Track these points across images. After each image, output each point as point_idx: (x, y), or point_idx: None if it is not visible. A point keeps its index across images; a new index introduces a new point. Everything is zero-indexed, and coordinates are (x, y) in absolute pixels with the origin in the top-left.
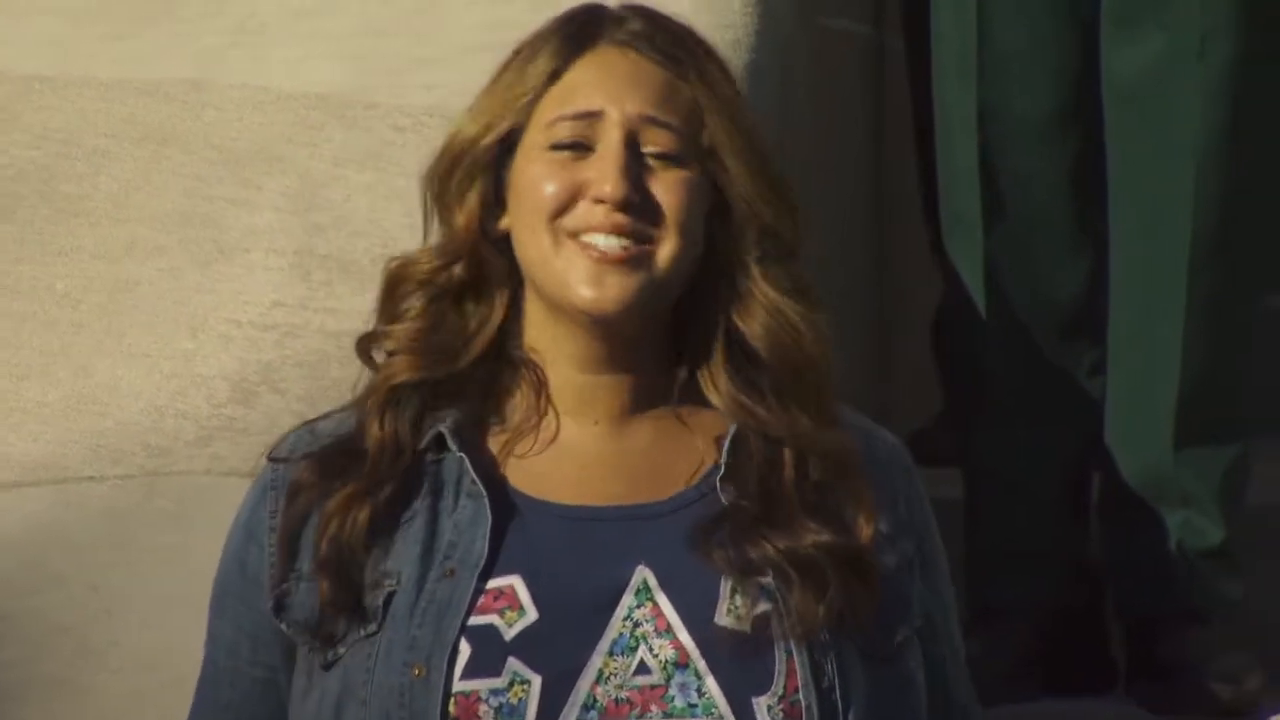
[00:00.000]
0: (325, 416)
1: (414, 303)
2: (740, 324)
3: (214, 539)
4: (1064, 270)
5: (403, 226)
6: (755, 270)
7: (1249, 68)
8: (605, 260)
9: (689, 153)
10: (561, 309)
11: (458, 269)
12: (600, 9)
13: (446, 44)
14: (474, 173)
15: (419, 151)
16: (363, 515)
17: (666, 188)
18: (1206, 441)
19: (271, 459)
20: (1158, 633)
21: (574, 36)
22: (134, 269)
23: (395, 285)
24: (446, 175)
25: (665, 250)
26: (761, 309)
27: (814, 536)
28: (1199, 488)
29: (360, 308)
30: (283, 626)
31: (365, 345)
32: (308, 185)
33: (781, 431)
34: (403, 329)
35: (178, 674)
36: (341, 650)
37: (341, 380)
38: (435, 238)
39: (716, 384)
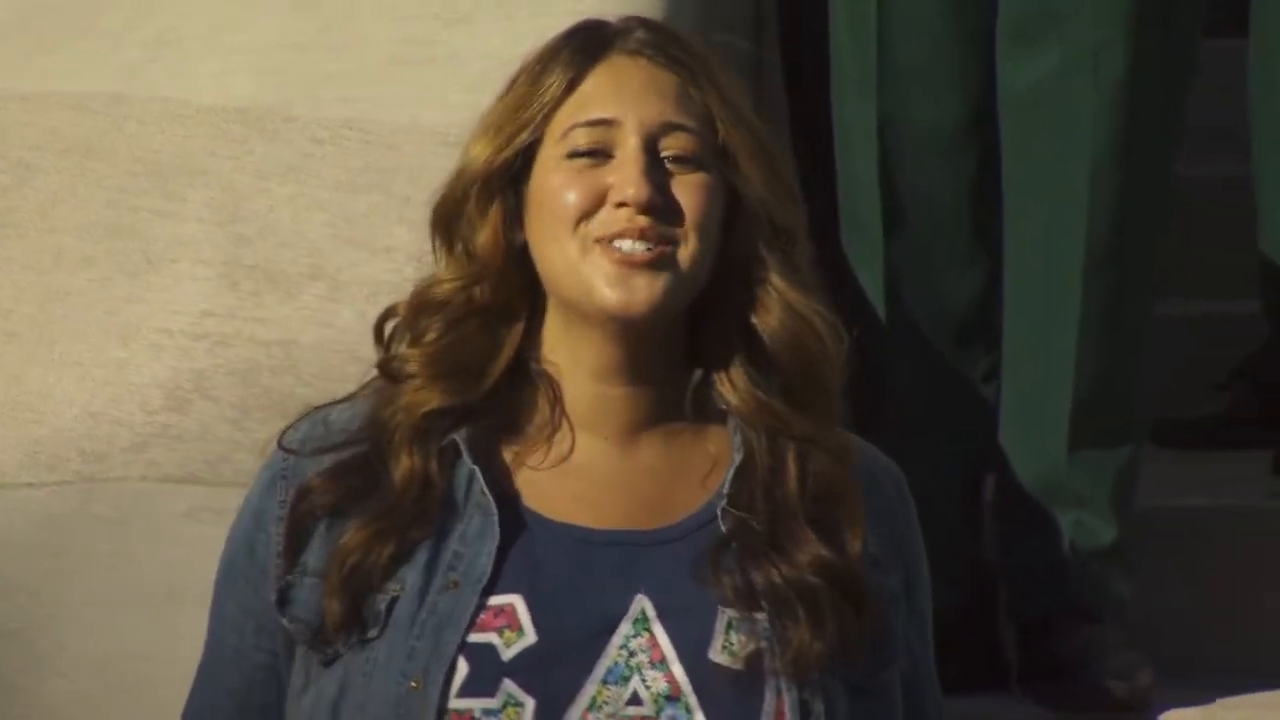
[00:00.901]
0: (336, 404)
1: (436, 324)
2: (758, 322)
3: (152, 544)
4: (961, 278)
5: (326, 237)
6: (771, 269)
7: (1139, 80)
8: (631, 263)
9: (705, 156)
10: (587, 315)
11: (480, 290)
12: (603, 23)
13: (360, 59)
14: (493, 190)
15: (339, 163)
16: (388, 551)
17: (686, 190)
18: (1099, 444)
19: (283, 447)
20: (1051, 631)
21: (584, 48)
22: (64, 279)
23: (420, 308)
24: (464, 197)
25: (687, 251)
26: (779, 306)
27: (813, 552)
28: (1092, 489)
29: (288, 317)
30: (284, 621)
31: (387, 368)
32: (231, 197)
33: (795, 430)
34: (425, 352)
35: (126, 678)
36: (341, 650)
37: (273, 388)
38: (443, 260)
39: (735, 384)
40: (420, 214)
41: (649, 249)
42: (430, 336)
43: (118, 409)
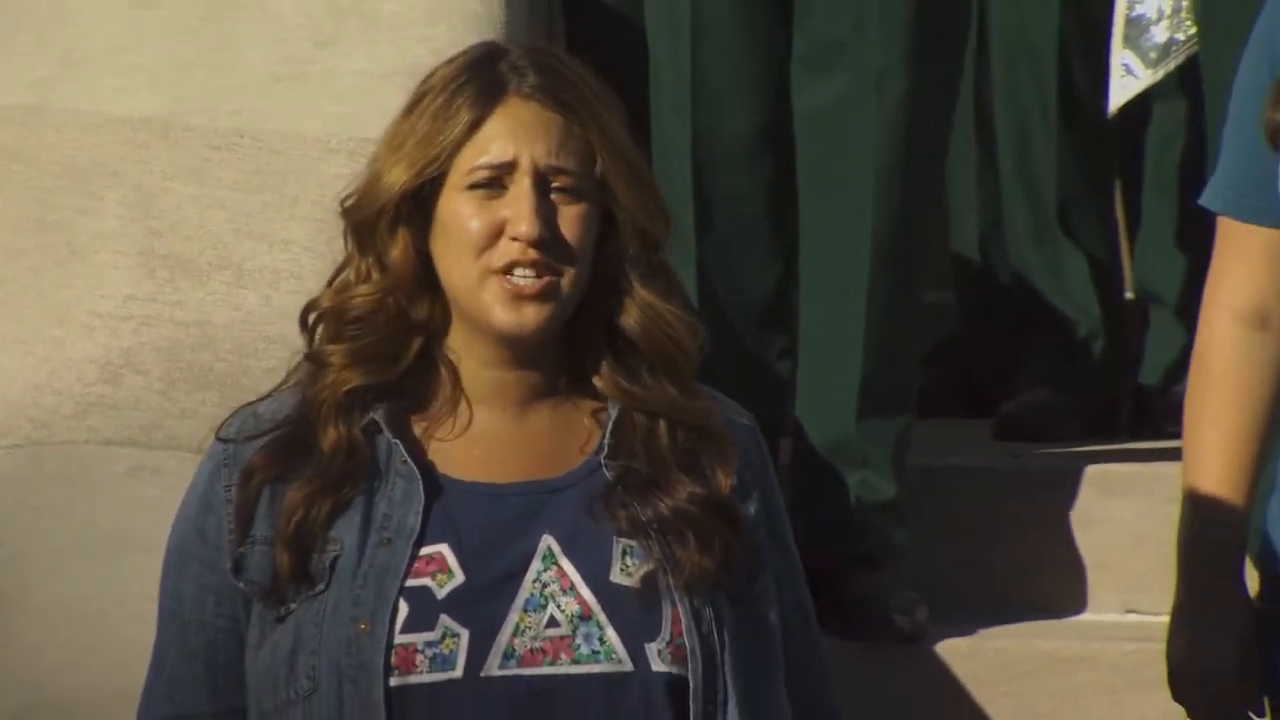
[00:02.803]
0: (262, 399)
1: (354, 328)
2: (621, 322)
3: (98, 499)
4: (762, 272)
5: (228, 231)
6: (634, 279)
7: (917, 102)
8: (521, 295)
9: (586, 188)
10: (481, 329)
11: (393, 299)
12: (499, 50)
13: (245, 76)
14: (404, 212)
15: (234, 166)
16: (326, 506)
17: (569, 222)
18: (881, 414)
19: (221, 439)
20: (843, 576)
21: (485, 90)
22: (1, 269)
23: (340, 313)
24: (378, 216)
25: (569, 278)
26: (638, 309)
27: (689, 489)
28: (875, 452)
29: (201, 300)
30: (240, 585)
31: (315, 358)
32: (142, 196)
33: (655, 405)
34: (346, 348)
35: (83, 613)
36: (293, 606)
37: (194, 363)
38: (358, 269)
39: (600, 372)
40: (308, 211)
41: (537, 278)
42: (350, 334)
43: (58, 381)
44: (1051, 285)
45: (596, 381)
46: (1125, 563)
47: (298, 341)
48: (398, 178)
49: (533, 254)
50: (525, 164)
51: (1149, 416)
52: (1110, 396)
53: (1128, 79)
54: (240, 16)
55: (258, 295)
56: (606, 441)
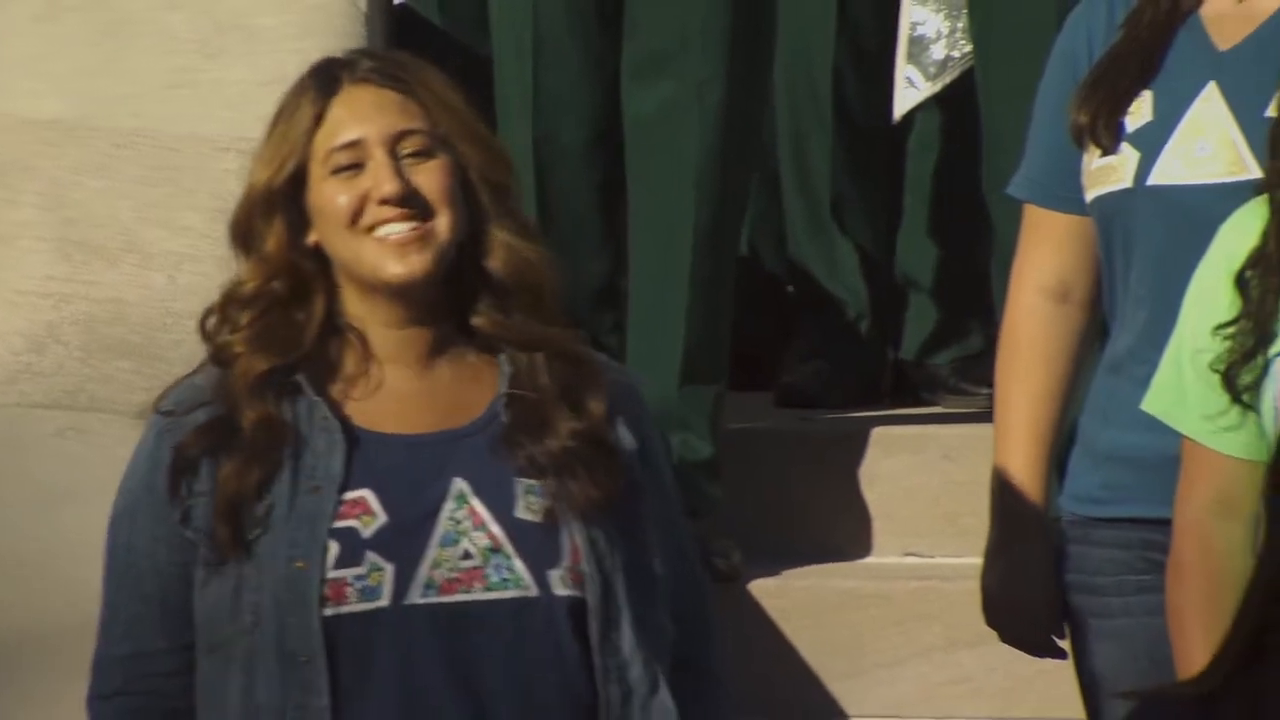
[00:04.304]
0: (195, 372)
1: (246, 315)
2: (488, 264)
3: (32, 456)
4: (596, 258)
5: (133, 220)
6: (492, 221)
7: (733, 108)
8: (403, 243)
9: (434, 146)
10: (377, 288)
11: (277, 284)
12: (334, 59)
13: (142, 84)
14: (274, 206)
15: (136, 163)
16: (255, 477)
17: (426, 175)
18: (700, 382)
19: (160, 412)
20: None
21: (323, 85)
22: None
23: (228, 304)
24: (251, 214)
25: (442, 222)
26: (500, 250)
27: (571, 425)
28: (694, 416)
29: (114, 280)
30: (188, 533)
31: (218, 356)
32: (56, 189)
33: (529, 337)
34: (243, 336)
35: (25, 558)
36: (234, 551)
37: (109, 335)
38: (243, 264)
39: (480, 314)
40: (204, 201)
41: (413, 229)
42: (244, 323)
43: None
44: (825, 271)
45: (477, 322)
46: (903, 512)
47: (200, 316)
48: (260, 177)
49: (401, 210)
50: (374, 138)
51: (908, 385)
52: (875, 368)
53: (910, 90)
54: (136, 31)
55: (163, 276)
56: (503, 390)
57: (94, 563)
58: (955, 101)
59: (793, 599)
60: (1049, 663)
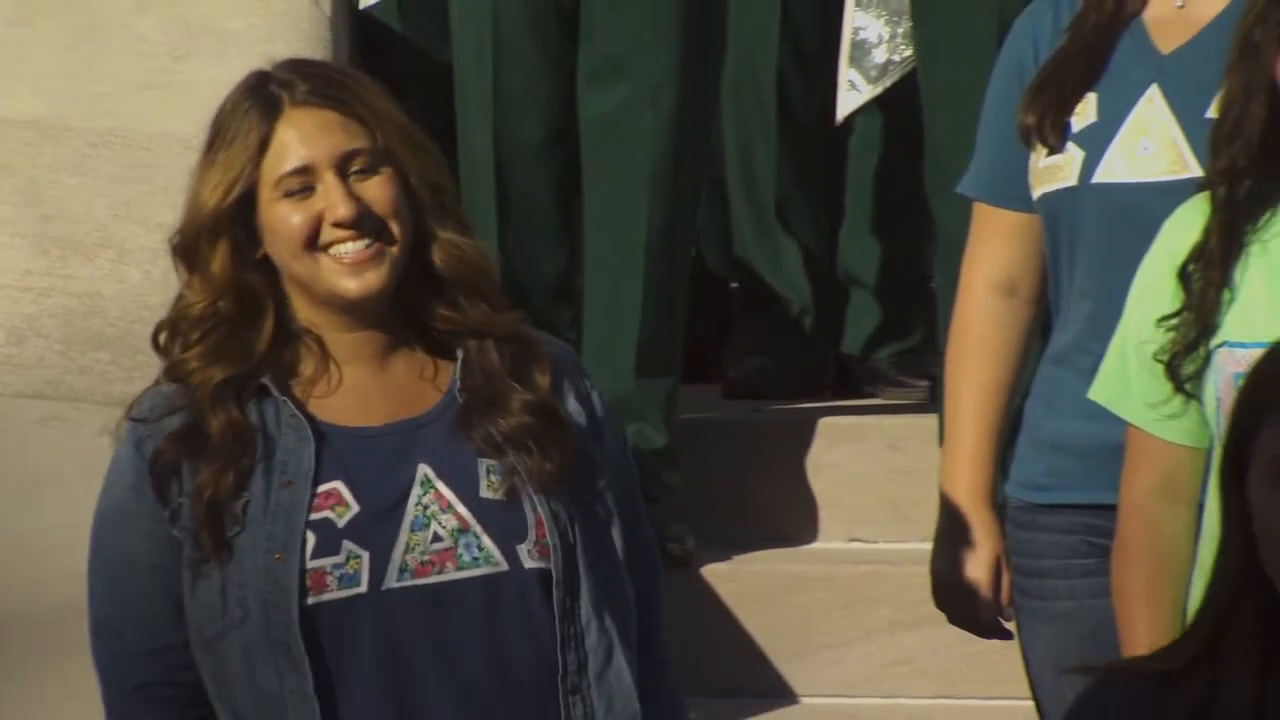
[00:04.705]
0: (163, 381)
1: (196, 333)
2: (432, 262)
3: (15, 444)
4: (553, 254)
5: (109, 216)
6: (432, 220)
7: (686, 111)
8: (359, 261)
9: (377, 161)
10: (332, 304)
11: (224, 303)
12: (266, 75)
13: (116, 85)
14: (221, 229)
15: (111, 161)
16: (230, 480)
17: (375, 192)
18: (655, 374)
19: (133, 419)
20: None
21: (265, 107)
22: None
23: (177, 324)
24: (197, 236)
25: (393, 235)
26: (442, 247)
27: (521, 398)
28: (649, 407)
29: (90, 275)
30: (176, 533)
31: (173, 372)
32: (33, 186)
33: (477, 325)
34: (196, 352)
35: (9, 542)
36: (215, 552)
37: (86, 327)
38: (189, 284)
39: (430, 310)
40: (177, 199)
41: (367, 246)
42: (195, 339)
43: None
44: (770, 270)
45: (426, 316)
46: (848, 500)
47: None
48: (207, 199)
49: (354, 231)
50: (322, 161)
51: (850, 379)
52: (818, 362)
53: (853, 93)
54: (110, 34)
55: (139, 270)
56: (457, 377)
57: (75, 546)
58: (895, 104)
59: (744, 583)
60: (989, 644)
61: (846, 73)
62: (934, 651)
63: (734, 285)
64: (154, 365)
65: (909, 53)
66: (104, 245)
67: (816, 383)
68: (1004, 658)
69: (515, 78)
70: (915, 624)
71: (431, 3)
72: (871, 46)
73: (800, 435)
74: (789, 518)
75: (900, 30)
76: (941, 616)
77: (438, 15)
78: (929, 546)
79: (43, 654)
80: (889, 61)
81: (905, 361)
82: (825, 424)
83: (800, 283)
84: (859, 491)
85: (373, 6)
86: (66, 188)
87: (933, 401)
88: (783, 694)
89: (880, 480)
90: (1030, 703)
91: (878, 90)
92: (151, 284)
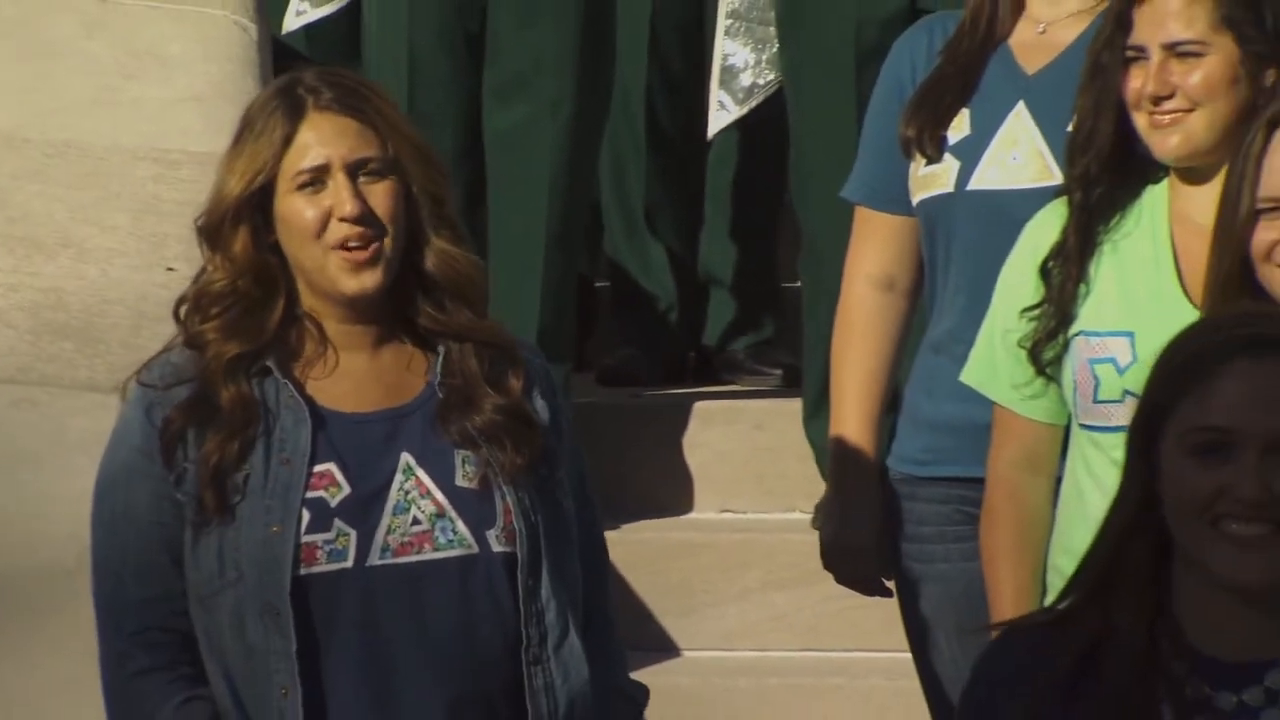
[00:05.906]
0: (172, 348)
1: (216, 308)
2: (425, 267)
3: None
4: None
5: (68, 220)
6: (429, 229)
7: (581, 124)
8: (358, 262)
9: (386, 168)
10: (332, 297)
11: (242, 282)
12: (297, 79)
13: (70, 100)
14: (243, 214)
15: (67, 170)
16: (234, 449)
17: (380, 197)
18: (551, 360)
19: (143, 384)
20: None
21: (291, 109)
22: None
23: (200, 296)
24: (222, 219)
25: (390, 240)
26: (435, 255)
27: (494, 401)
28: None
29: (53, 272)
30: (180, 496)
31: (192, 342)
32: None
33: (460, 329)
34: (214, 325)
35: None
36: (217, 514)
37: (53, 319)
38: (211, 262)
39: (418, 310)
40: (129, 204)
41: (366, 248)
42: (214, 314)
43: None
44: (640, 270)
45: (415, 316)
46: (720, 474)
47: (131, 303)
48: (233, 188)
49: (358, 229)
50: (336, 162)
51: (709, 368)
52: (682, 353)
53: (722, 112)
54: (63, 53)
55: (97, 268)
56: (438, 372)
57: (50, 515)
58: (752, 122)
59: (631, 549)
60: (852, 601)
61: (716, 94)
62: (801, 609)
63: (600, 284)
64: (114, 353)
65: (773, 76)
66: (64, 245)
67: (680, 371)
68: (865, 614)
69: (429, 96)
70: (784, 585)
71: (336, 34)
72: (739, 71)
73: (675, 418)
74: (668, 491)
75: (765, 56)
76: (808, 577)
77: (344, 43)
78: (794, 516)
79: (26, 613)
80: (754, 84)
81: (759, 352)
82: (698, 408)
83: (666, 282)
84: (729, 467)
85: (286, 35)
86: (29, 193)
87: (788, 387)
88: (668, 648)
89: (748, 457)
90: (886, 654)
91: (744, 110)
92: (109, 281)
